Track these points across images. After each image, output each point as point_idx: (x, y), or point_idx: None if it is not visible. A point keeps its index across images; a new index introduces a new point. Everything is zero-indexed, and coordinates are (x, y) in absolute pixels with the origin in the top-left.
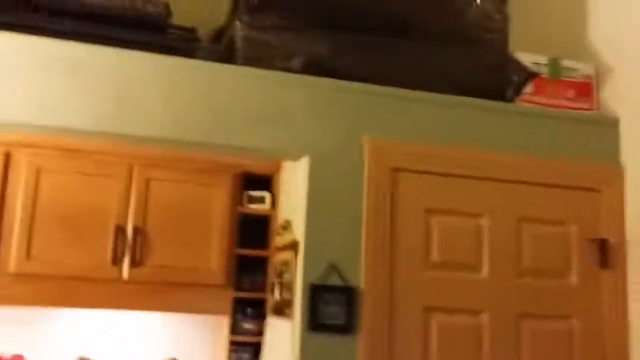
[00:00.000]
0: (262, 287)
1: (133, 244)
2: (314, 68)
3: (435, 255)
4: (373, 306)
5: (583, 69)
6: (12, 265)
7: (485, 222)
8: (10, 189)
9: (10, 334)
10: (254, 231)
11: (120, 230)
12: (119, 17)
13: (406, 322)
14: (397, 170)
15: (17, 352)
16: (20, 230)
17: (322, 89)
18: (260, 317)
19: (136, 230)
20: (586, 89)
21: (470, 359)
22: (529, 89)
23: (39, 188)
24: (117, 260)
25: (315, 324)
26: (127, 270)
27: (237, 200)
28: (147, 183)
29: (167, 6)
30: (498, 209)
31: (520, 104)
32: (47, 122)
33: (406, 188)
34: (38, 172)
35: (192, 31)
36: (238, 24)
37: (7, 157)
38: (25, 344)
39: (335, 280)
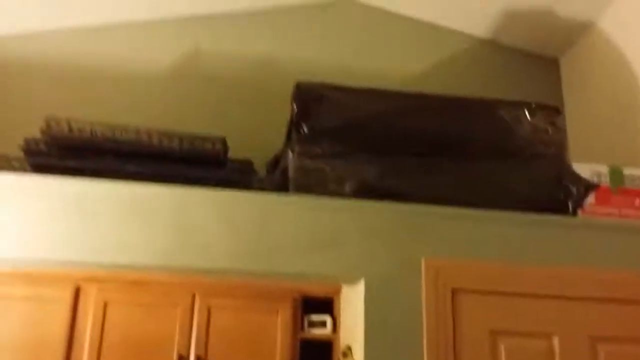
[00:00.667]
0: None
1: None
2: (365, 192)
3: None
4: None
5: None
6: None
7: (556, 343)
8: (79, 322)
9: None
10: (317, 356)
11: (183, 359)
12: (179, 156)
13: None
14: (458, 290)
15: None
16: None
17: (373, 212)
18: None
19: (198, 359)
20: None
21: None
22: (590, 200)
23: (106, 320)
24: None
25: None
26: None
27: (298, 324)
28: (208, 311)
29: (224, 141)
30: (569, 328)
31: (583, 216)
32: (111, 259)
33: (468, 309)
34: (105, 305)
35: (248, 163)
36: (290, 154)
37: (77, 291)
38: None
39: None
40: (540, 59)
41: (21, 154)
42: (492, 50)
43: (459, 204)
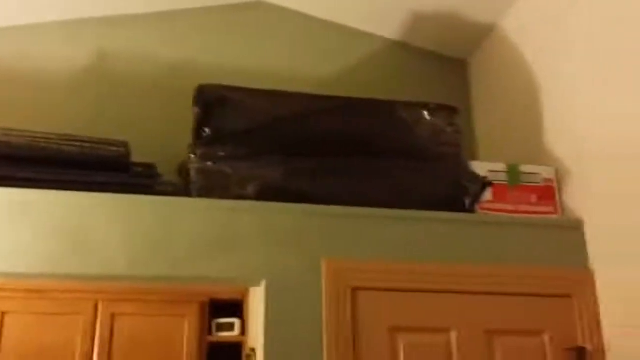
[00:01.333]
0: None
1: None
2: (268, 194)
3: None
4: None
5: (543, 172)
6: None
7: (453, 337)
8: None
9: None
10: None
11: None
12: (80, 161)
13: None
14: (357, 289)
15: None
16: None
17: (275, 214)
18: None
19: None
20: (548, 193)
21: None
22: (487, 197)
23: (4, 330)
24: None
25: None
26: None
27: (206, 328)
28: (112, 318)
29: (127, 145)
30: (466, 322)
31: (480, 213)
32: (5, 268)
33: (368, 307)
34: (2, 315)
35: (151, 167)
36: (192, 157)
37: None
38: None
39: None
40: (449, 61)
41: None
42: (403, 52)
43: (361, 203)
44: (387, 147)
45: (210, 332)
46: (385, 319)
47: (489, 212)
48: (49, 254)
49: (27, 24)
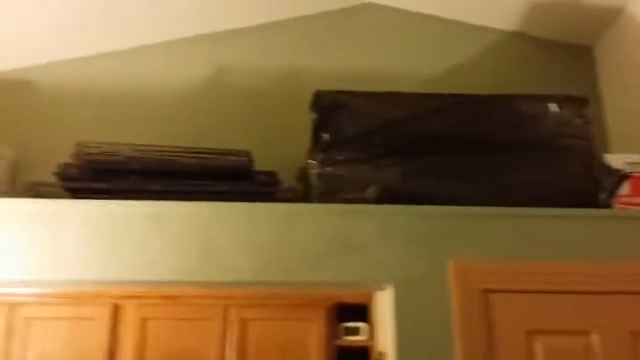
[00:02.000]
0: None
1: None
2: (388, 196)
3: None
4: None
5: None
6: None
7: (595, 339)
8: (120, 338)
9: None
10: None
11: None
12: (204, 172)
13: None
14: (489, 291)
15: None
16: None
17: (397, 216)
18: None
19: None
20: None
21: None
22: (624, 190)
23: (146, 335)
24: None
25: None
26: None
27: (333, 332)
28: (243, 323)
29: (249, 154)
30: (608, 324)
31: (618, 208)
32: (141, 277)
33: (501, 310)
34: (143, 321)
35: (272, 175)
36: (312, 162)
37: (115, 309)
38: None
39: None
40: (572, 49)
41: (55, 179)
42: (521, 43)
43: (484, 203)
44: (510, 143)
45: (337, 337)
46: (521, 322)
47: (627, 206)
48: (181, 262)
49: (133, 46)
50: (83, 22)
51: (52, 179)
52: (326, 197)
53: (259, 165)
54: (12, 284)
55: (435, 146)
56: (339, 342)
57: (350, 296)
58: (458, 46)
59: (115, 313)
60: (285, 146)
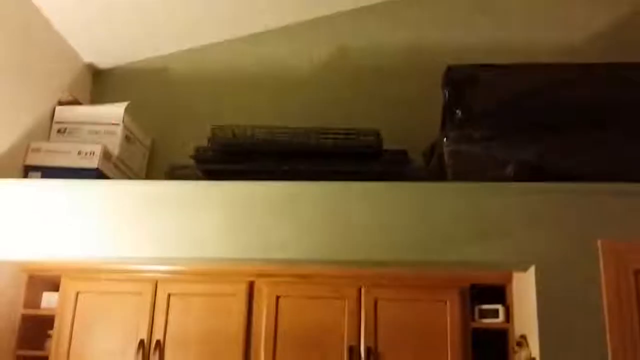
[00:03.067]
0: None
1: None
2: (527, 173)
3: None
4: None
5: None
6: None
7: None
8: (254, 315)
9: None
10: (491, 347)
11: (354, 351)
12: (335, 152)
13: None
14: None
15: None
16: (265, 354)
17: (539, 194)
18: None
19: (368, 351)
20: None
21: None
22: None
23: (279, 312)
24: None
25: None
26: None
27: (468, 314)
28: (375, 303)
29: (378, 134)
30: None
31: None
32: (279, 255)
33: None
34: (277, 298)
35: (402, 154)
36: (445, 140)
37: (251, 286)
38: None
39: None
40: None
41: (192, 162)
42: None
43: (631, 179)
44: None
45: (473, 319)
46: None
47: None
48: (315, 242)
49: (272, 29)
50: (215, 8)
51: (190, 163)
52: (461, 175)
53: (387, 144)
54: (156, 261)
55: (576, 119)
56: (474, 325)
57: (487, 277)
58: (592, 12)
59: (251, 290)
60: (413, 124)
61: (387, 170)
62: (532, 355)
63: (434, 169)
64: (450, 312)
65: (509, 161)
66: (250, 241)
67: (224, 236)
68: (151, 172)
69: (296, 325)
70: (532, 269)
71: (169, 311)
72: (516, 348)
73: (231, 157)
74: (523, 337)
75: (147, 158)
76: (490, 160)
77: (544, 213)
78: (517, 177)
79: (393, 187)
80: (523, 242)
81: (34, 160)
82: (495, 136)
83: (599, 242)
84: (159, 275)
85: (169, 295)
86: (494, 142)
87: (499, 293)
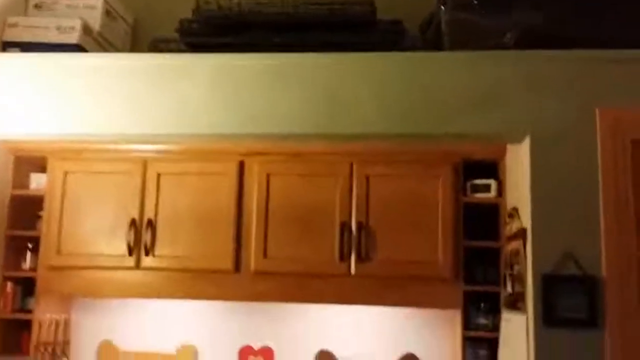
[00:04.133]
0: (495, 280)
1: (358, 240)
2: (528, 41)
3: None
4: (621, 296)
5: None
6: (252, 264)
7: None
8: (245, 193)
9: (258, 327)
10: (482, 222)
11: (346, 227)
12: (327, 22)
13: None
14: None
15: (265, 343)
16: (257, 231)
17: (538, 62)
18: (495, 312)
19: (360, 226)
20: None
21: None
22: None
23: (270, 191)
24: (344, 256)
25: (550, 318)
26: (354, 265)
27: (461, 190)
28: (367, 179)
29: (372, 2)
30: None
31: None
32: (269, 129)
33: None
34: (268, 177)
35: (397, 23)
36: (442, 8)
37: (241, 165)
38: (271, 336)
39: (571, 270)
40: None
41: (176, 36)
42: None
43: (635, 45)
44: None
45: (465, 194)
46: None
47: None
48: (307, 114)
49: None
50: None
51: (174, 36)
52: (458, 45)
53: (381, 14)
54: (142, 138)
55: None
56: (466, 200)
57: (480, 152)
58: None
59: (241, 169)
60: None
61: (381, 41)
62: (524, 226)
63: (430, 39)
64: (442, 187)
65: (508, 28)
66: (240, 116)
67: (212, 111)
68: (134, 51)
69: (287, 203)
70: (527, 140)
71: (159, 190)
72: (507, 220)
73: (217, 30)
74: (515, 209)
75: (130, 36)
76: (488, 28)
77: (542, 81)
78: (517, 45)
79: (387, 58)
80: (519, 112)
81: (11, 36)
82: (494, 2)
83: (597, 111)
84: (148, 154)
85: (158, 175)
86: (495, 8)
87: (491, 169)
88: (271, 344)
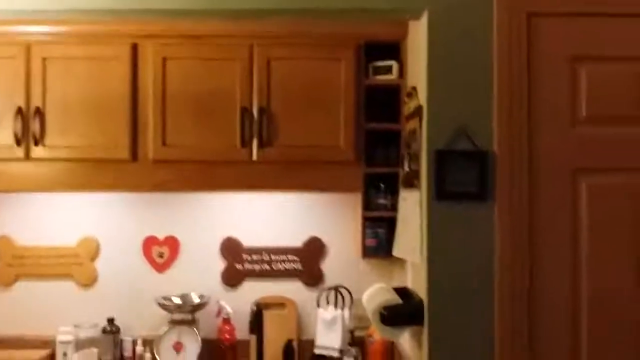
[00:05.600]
0: (396, 162)
1: (259, 125)
2: None
3: (584, 110)
4: (510, 170)
5: None
6: (150, 152)
7: None
8: (140, 78)
9: (162, 217)
10: (384, 104)
11: (247, 112)
12: None
13: (550, 186)
14: (534, 15)
15: (170, 233)
16: (154, 119)
17: None
18: (394, 192)
19: (261, 111)
20: None
21: (628, 223)
22: None
23: (167, 76)
24: (245, 142)
25: (442, 192)
26: (256, 151)
27: (363, 72)
28: (268, 63)
29: None
30: None
31: None
32: (163, 5)
33: (546, 35)
34: (164, 61)
35: None
36: None
37: (134, 48)
38: (176, 226)
39: (464, 145)
40: None
41: None
42: None
43: None
44: None
45: (367, 76)
46: (566, 47)
47: None
48: None
49: None
50: None
51: None
52: None
53: None
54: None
55: None
56: (368, 82)
57: (382, 33)
58: None
59: (134, 53)
60: None
61: None
62: (420, 103)
63: None
64: (344, 70)
65: None
66: None
67: None
68: None
69: (186, 88)
70: (424, 15)
71: (46, 76)
72: (406, 99)
73: None
74: (414, 88)
75: None
76: None
77: None
78: None
79: None
80: None
81: None
82: None
83: None
84: (32, 37)
85: (44, 60)
86: None
87: (393, 51)
88: (176, 234)
